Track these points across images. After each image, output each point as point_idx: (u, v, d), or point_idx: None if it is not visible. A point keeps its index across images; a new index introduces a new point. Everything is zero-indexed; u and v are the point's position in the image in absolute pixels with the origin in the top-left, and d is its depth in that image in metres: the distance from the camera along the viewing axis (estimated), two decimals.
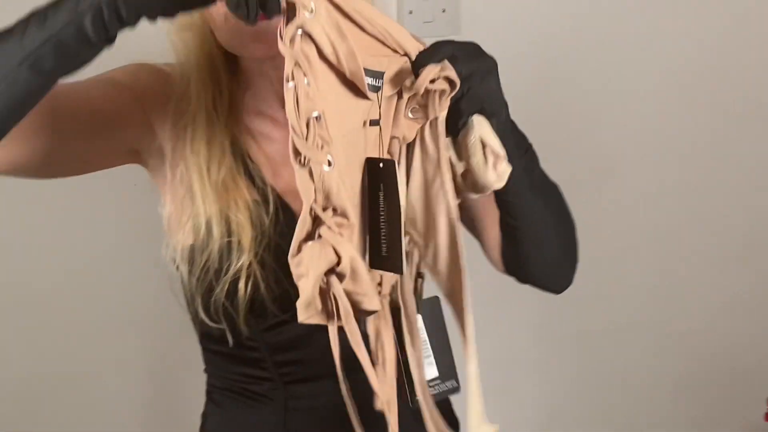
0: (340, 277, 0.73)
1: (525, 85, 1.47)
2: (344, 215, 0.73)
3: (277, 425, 1.02)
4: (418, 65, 0.77)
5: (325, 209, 0.73)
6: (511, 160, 0.82)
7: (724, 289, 1.91)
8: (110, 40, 0.73)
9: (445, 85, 0.75)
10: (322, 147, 0.71)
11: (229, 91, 0.98)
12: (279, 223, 0.96)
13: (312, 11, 0.70)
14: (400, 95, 0.78)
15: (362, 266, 0.74)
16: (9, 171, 0.88)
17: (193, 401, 1.11)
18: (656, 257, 1.86)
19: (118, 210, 1.45)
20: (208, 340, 1.02)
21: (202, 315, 0.96)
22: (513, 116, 0.85)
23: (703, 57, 1.78)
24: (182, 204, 0.96)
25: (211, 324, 0.96)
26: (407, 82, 0.76)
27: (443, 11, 1.62)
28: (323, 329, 0.81)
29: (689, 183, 1.83)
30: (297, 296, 0.93)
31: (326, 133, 0.71)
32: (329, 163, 0.72)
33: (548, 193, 0.93)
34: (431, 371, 0.89)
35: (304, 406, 1.01)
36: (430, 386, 0.88)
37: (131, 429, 1.71)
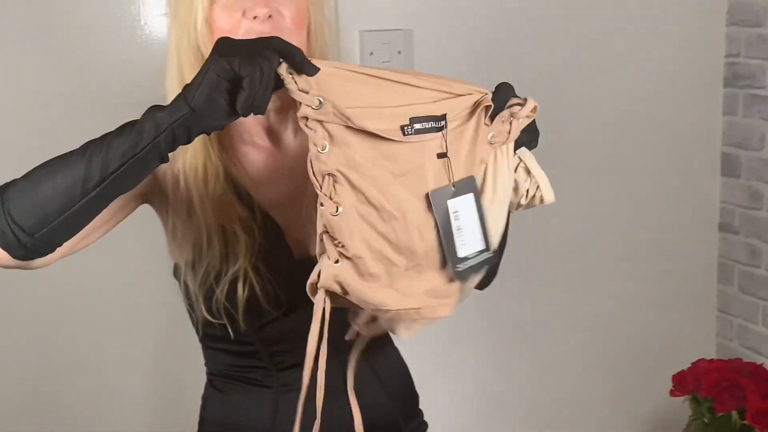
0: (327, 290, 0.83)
1: None
2: (345, 248, 0.82)
3: (270, 405, 1.05)
4: (502, 99, 0.85)
5: (333, 241, 0.82)
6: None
7: (634, 285, 2.03)
8: (168, 156, 0.80)
9: (532, 115, 0.87)
10: (331, 198, 0.81)
11: None
12: (267, 231, 1.00)
13: (320, 103, 0.78)
14: (473, 124, 0.85)
15: (353, 284, 0.83)
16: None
17: (195, 387, 1.16)
18: (578, 260, 1.98)
19: (129, 223, 1.44)
20: (210, 339, 1.06)
21: (205, 314, 1.00)
22: None
23: (619, 102, 1.93)
24: (185, 220, 1.00)
25: (213, 321, 1.00)
26: (517, 110, 0.85)
27: (399, 53, 1.73)
28: (310, 321, 0.86)
29: (606, 200, 1.98)
30: (287, 296, 0.99)
31: (344, 189, 0.81)
32: (336, 209, 0.81)
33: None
34: (477, 245, 0.88)
35: (293, 388, 1.01)
36: (471, 258, 0.88)
37: (142, 410, 1.78)
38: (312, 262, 0.95)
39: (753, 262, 2.00)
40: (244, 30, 0.92)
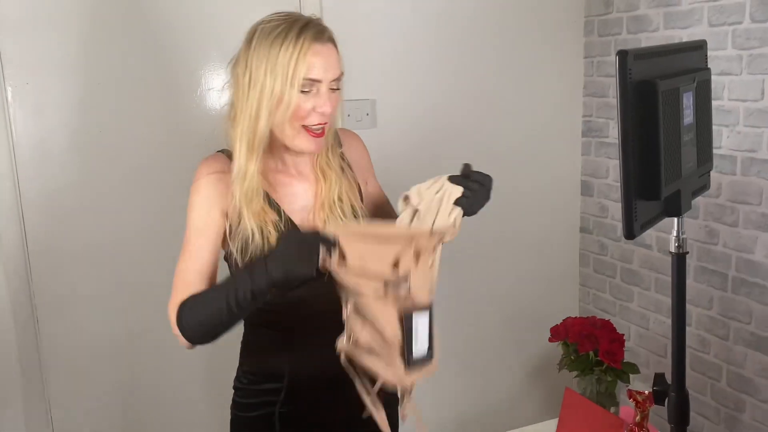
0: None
1: (421, 162, 1.79)
2: (356, 336, 0.94)
3: (287, 340, 1.11)
4: (461, 181, 0.99)
5: (349, 332, 0.94)
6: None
7: (525, 269, 2.14)
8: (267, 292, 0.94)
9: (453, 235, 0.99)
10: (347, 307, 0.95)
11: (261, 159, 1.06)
12: (289, 229, 1.06)
13: (344, 260, 0.91)
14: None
15: (359, 357, 0.93)
16: None
17: (238, 334, 1.17)
18: (488, 253, 2.05)
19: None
20: None
21: None
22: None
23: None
24: (237, 223, 1.06)
25: None
26: (450, 235, 0.96)
27: (367, 114, 1.87)
28: (315, 293, 0.96)
29: (506, 211, 2.01)
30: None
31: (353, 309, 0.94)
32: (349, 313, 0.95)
33: None
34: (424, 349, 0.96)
35: (302, 331, 1.10)
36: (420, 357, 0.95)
37: (202, 351, 1.40)
38: None
39: (602, 253, 2.13)
40: (312, 118, 1.02)
